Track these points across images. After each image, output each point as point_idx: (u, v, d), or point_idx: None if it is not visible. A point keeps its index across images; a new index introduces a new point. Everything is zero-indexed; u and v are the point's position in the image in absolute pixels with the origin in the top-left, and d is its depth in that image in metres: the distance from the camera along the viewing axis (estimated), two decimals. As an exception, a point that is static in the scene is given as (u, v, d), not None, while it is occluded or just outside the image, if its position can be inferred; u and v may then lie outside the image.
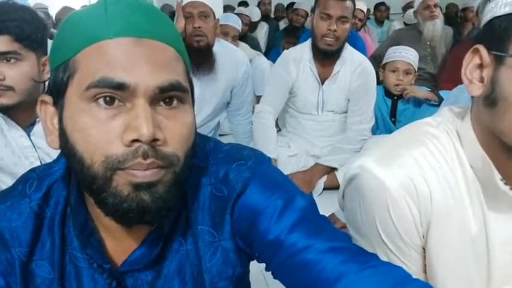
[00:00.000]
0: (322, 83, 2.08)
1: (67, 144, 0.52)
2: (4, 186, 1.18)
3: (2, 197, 0.60)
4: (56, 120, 0.54)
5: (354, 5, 2.01)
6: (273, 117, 2.14)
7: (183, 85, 0.52)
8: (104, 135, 0.49)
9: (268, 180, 0.61)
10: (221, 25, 2.73)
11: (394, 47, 2.38)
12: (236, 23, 3.06)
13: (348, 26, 1.98)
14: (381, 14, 5.57)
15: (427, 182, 0.64)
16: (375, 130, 2.22)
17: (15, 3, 1.20)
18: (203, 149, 0.62)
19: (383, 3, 5.63)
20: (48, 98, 0.55)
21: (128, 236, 0.58)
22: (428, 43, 3.04)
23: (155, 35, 0.52)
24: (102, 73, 0.49)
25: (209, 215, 0.60)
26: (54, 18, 4.25)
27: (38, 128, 1.22)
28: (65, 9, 4.12)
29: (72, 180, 0.58)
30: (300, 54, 2.10)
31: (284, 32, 4.17)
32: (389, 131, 2.23)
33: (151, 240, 0.58)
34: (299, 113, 2.18)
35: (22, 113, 1.20)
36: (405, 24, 4.30)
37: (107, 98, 0.49)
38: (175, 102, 0.52)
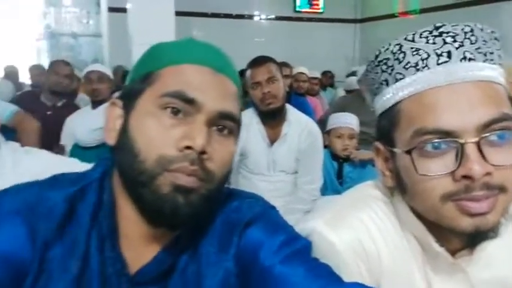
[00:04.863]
0: (272, 144, 2.15)
1: (127, 140, 0.58)
2: None
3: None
4: (119, 121, 0.61)
5: (278, 64, 2.13)
6: None
7: (236, 117, 0.62)
8: (164, 138, 0.56)
9: (274, 222, 0.66)
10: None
11: (336, 114, 2.50)
12: None
13: (279, 84, 2.07)
14: (326, 80, 5.91)
15: (375, 243, 0.66)
16: (324, 191, 2.27)
17: None
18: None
19: (329, 71, 6.00)
20: (118, 102, 0.63)
21: (145, 245, 0.61)
22: (372, 109, 3.17)
23: (227, 72, 0.63)
24: (177, 87, 0.58)
25: (217, 237, 0.64)
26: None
27: None
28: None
29: (107, 184, 0.62)
30: (249, 118, 2.18)
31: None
32: (337, 192, 2.30)
33: (167, 250, 0.61)
34: (252, 174, 2.22)
35: None
36: (346, 91, 4.51)
37: (174, 109, 0.58)
38: (225, 131, 0.61)
